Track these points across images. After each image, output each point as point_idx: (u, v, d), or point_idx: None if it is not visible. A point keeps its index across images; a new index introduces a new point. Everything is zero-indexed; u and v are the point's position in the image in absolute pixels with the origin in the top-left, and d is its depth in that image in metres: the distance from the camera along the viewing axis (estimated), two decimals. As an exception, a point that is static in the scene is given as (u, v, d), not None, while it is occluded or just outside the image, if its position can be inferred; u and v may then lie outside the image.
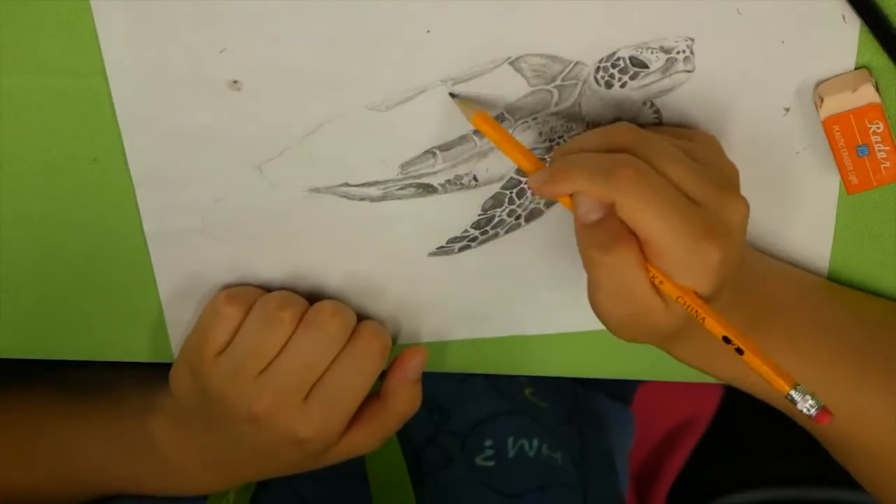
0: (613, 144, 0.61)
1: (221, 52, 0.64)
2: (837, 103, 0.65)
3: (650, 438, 1.03)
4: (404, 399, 0.72)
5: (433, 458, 0.79)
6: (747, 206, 0.62)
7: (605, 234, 0.60)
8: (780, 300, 0.71)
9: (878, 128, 0.65)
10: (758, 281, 0.69)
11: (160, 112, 0.65)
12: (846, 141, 0.66)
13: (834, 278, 0.73)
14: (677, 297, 0.61)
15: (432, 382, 0.76)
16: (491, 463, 0.79)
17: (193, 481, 0.75)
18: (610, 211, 0.60)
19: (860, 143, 0.66)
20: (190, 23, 0.63)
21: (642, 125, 0.67)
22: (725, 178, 0.63)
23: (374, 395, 0.71)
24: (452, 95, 0.65)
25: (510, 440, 0.79)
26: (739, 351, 0.61)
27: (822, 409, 0.60)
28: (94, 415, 0.76)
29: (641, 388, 0.95)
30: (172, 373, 0.71)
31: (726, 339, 0.61)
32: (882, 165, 0.66)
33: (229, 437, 0.71)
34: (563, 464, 0.80)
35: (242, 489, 0.77)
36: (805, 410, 0.60)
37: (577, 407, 0.85)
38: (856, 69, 0.66)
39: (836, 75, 0.66)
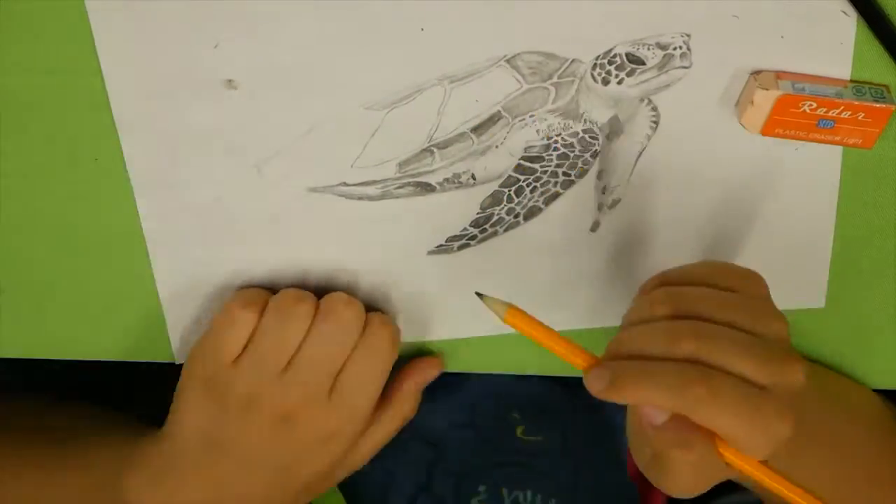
0: (678, 351, 0.60)
1: (215, 46, 0.64)
2: (754, 119, 0.65)
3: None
4: (411, 404, 0.73)
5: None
6: (805, 366, 0.62)
7: (681, 431, 0.60)
8: (820, 432, 0.70)
9: (812, 105, 0.65)
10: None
11: (157, 112, 0.65)
12: (802, 131, 0.66)
13: (834, 275, 0.73)
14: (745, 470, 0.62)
15: (422, 423, 0.77)
16: None
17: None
18: None
19: (817, 122, 0.65)
20: (185, 23, 0.63)
21: (639, 125, 0.67)
22: (781, 343, 0.62)
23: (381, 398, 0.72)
24: (479, 295, 0.64)
25: (504, 491, 0.80)
26: None
27: None
28: (68, 468, 0.74)
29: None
30: (181, 398, 0.70)
31: None
32: (858, 116, 0.65)
33: (242, 461, 0.70)
34: None
35: None
36: None
37: (570, 430, 0.85)
38: (753, 76, 0.66)
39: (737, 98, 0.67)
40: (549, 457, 0.82)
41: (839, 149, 0.68)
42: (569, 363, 0.63)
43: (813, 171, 0.69)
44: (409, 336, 0.74)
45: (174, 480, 0.71)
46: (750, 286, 0.64)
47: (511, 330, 0.74)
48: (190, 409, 0.70)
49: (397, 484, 0.79)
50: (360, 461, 0.74)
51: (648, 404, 0.60)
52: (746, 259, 0.72)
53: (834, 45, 0.66)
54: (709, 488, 0.64)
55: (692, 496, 0.64)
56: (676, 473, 0.62)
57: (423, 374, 0.73)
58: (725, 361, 0.60)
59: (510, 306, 0.63)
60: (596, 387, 0.61)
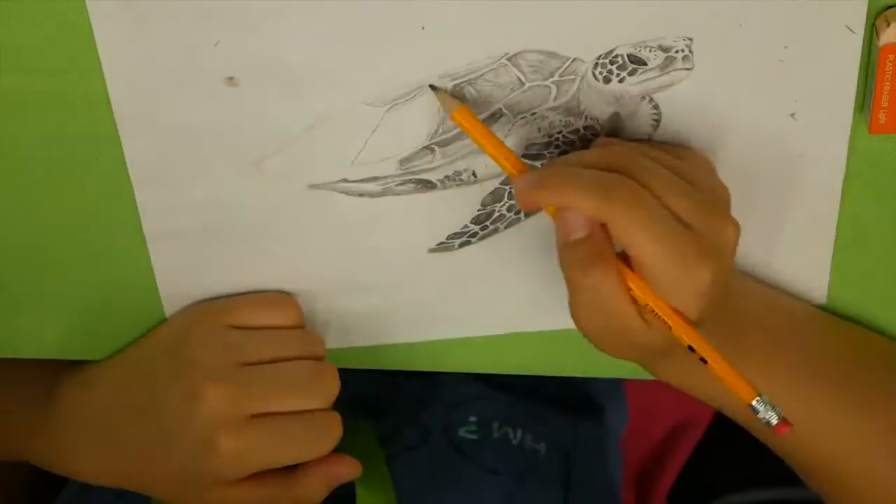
0: (609, 164, 0.61)
1: (216, 44, 0.64)
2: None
3: (650, 438, 1.03)
4: (311, 490, 0.70)
5: (408, 438, 0.78)
6: (738, 229, 0.63)
7: (585, 254, 0.61)
8: (762, 321, 0.71)
9: None
10: (740, 300, 0.70)
11: (157, 110, 0.65)
12: (894, 74, 0.64)
13: (835, 278, 0.73)
14: (646, 306, 0.62)
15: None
16: (473, 436, 0.78)
17: (80, 459, 0.72)
18: (592, 230, 0.61)
19: None
20: (185, 20, 0.63)
21: (640, 122, 0.67)
22: (717, 201, 0.63)
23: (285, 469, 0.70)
24: (433, 88, 0.65)
25: (495, 424, 0.79)
26: (703, 360, 0.62)
27: (782, 420, 0.62)
28: (16, 368, 0.74)
29: (641, 388, 0.95)
30: (169, 318, 0.71)
31: (691, 349, 0.62)
32: None
33: (148, 405, 0.69)
34: (546, 454, 0.80)
35: None
36: (765, 420, 0.62)
37: (573, 393, 0.85)
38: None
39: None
40: (546, 405, 0.82)
41: (843, 148, 0.68)
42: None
43: (816, 168, 0.69)
44: (409, 336, 0.74)
45: (93, 390, 0.72)
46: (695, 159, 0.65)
47: (510, 329, 0.75)
48: (157, 333, 0.71)
49: (386, 418, 0.78)
50: None
51: (569, 205, 0.60)
52: (747, 256, 0.72)
53: (839, 57, 0.66)
54: (626, 353, 0.64)
55: (594, 338, 0.64)
56: (572, 300, 0.62)
57: (332, 468, 0.70)
58: (655, 187, 0.60)
59: (460, 105, 0.64)
60: (522, 186, 0.62)
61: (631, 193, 0.60)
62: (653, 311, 0.61)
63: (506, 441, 0.78)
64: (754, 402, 0.62)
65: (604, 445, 0.86)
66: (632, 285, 0.61)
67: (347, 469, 0.70)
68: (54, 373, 0.74)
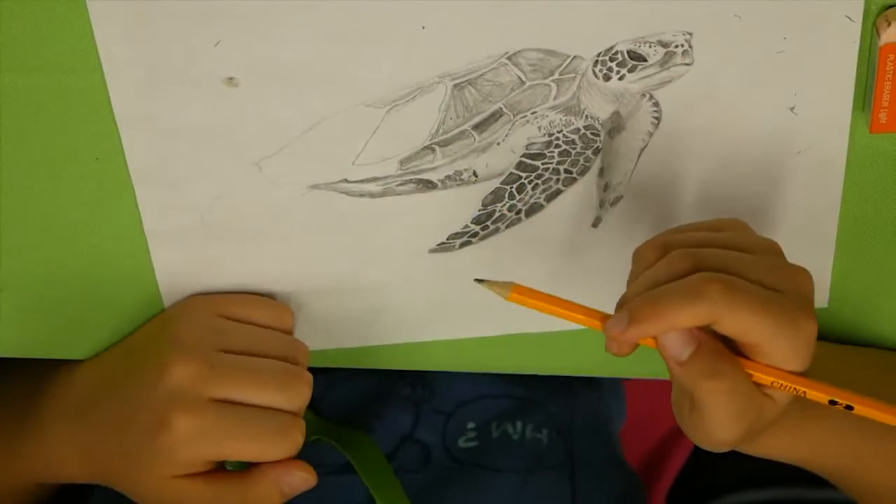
0: (678, 269, 0.59)
1: (216, 44, 0.64)
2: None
3: (650, 438, 1.03)
4: (262, 495, 0.68)
5: (407, 460, 0.78)
6: (809, 273, 0.62)
7: (707, 362, 0.59)
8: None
9: None
10: None
11: (158, 109, 0.65)
12: (894, 74, 0.64)
13: (836, 279, 0.73)
14: (772, 383, 0.60)
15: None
16: (473, 444, 0.78)
17: (61, 447, 0.71)
18: (699, 337, 0.59)
19: None
20: (185, 20, 0.63)
21: (641, 120, 0.68)
22: (778, 255, 0.62)
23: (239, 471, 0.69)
24: (479, 281, 0.63)
25: (493, 424, 0.79)
26: (849, 407, 0.61)
27: None
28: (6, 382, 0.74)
29: (641, 388, 0.95)
30: (179, 301, 0.71)
31: (832, 402, 0.61)
32: None
33: (124, 379, 0.69)
34: (548, 443, 0.79)
35: None
36: None
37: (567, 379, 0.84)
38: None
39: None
40: (544, 391, 0.82)
41: (844, 142, 0.68)
42: (581, 325, 0.62)
43: (816, 170, 0.69)
44: (409, 336, 0.74)
45: (83, 369, 0.72)
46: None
47: (510, 330, 0.75)
48: (157, 321, 0.71)
49: (383, 428, 0.77)
50: (155, 498, 0.69)
51: (671, 326, 0.58)
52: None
53: (837, 48, 0.66)
54: (750, 437, 0.62)
55: (738, 445, 0.62)
56: (713, 411, 0.60)
57: (286, 472, 0.67)
58: (733, 269, 0.59)
59: (514, 285, 0.62)
60: (616, 331, 0.60)
61: (722, 283, 0.58)
62: (780, 386, 0.60)
63: (506, 438, 0.78)
64: None
65: (604, 412, 0.85)
66: (752, 371, 0.60)
67: (302, 474, 0.68)
68: (45, 377, 0.74)
